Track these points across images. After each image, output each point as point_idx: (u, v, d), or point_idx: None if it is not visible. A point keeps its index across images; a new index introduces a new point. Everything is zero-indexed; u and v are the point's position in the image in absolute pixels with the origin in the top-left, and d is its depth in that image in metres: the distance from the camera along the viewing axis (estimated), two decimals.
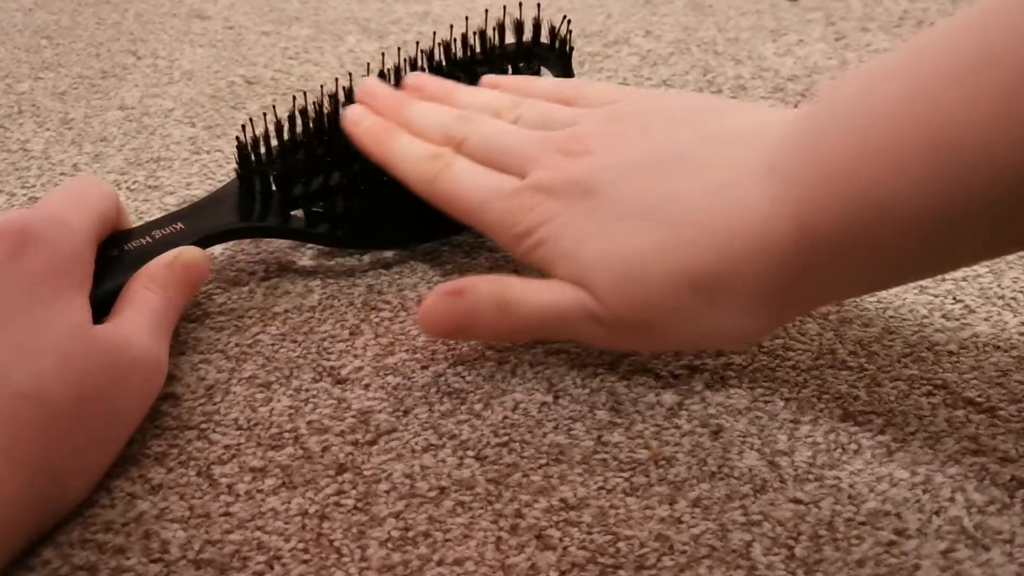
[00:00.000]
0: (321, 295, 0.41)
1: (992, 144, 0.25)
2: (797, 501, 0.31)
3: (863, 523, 0.30)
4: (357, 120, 0.40)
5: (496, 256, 0.43)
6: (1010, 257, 0.42)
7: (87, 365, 0.31)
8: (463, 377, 0.36)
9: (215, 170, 0.50)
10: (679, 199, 0.32)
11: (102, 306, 0.34)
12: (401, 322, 0.39)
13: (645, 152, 0.33)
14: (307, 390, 0.36)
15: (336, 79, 0.44)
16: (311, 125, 0.42)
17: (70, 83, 0.59)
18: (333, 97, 0.42)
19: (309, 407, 0.35)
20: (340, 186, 0.41)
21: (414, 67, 0.44)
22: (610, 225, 0.32)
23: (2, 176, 0.50)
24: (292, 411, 0.35)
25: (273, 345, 0.38)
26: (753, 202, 0.30)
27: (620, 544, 0.30)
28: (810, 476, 0.32)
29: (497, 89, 0.41)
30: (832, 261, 0.30)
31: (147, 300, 0.35)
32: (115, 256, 0.37)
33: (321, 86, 0.44)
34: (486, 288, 0.34)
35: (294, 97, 0.43)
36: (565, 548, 0.30)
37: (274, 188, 0.41)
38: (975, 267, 0.42)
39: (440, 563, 0.29)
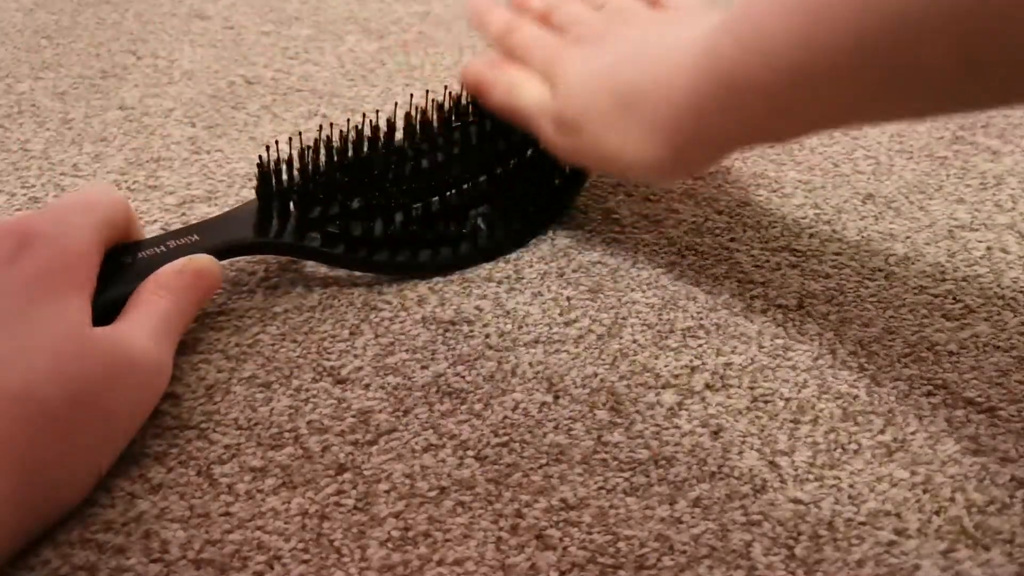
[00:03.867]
0: (321, 295, 0.41)
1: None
2: (797, 501, 0.31)
3: (863, 523, 0.30)
4: (473, 3, 0.48)
5: (498, 260, 0.43)
6: (1010, 257, 0.42)
7: (81, 366, 0.30)
8: (463, 377, 0.36)
9: (215, 170, 0.50)
10: (641, 43, 0.39)
11: (113, 312, 0.34)
12: (401, 322, 0.39)
13: (649, 25, 0.41)
14: (307, 390, 0.36)
15: (363, 114, 0.43)
16: (334, 151, 0.42)
17: (70, 83, 0.59)
18: (358, 130, 0.42)
19: (309, 407, 0.35)
20: (359, 210, 0.41)
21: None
22: (589, 55, 0.40)
23: (2, 176, 0.50)
24: (292, 411, 0.35)
25: (273, 345, 0.38)
26: (681, 47, 0.35)
27: (620, 544, 0.30)
28: (810, 476, 0.32)
29: None
30: (724, 98, 0.33)
31: (153, 304, 0.35)
32: (128, 263, 0.37)
33: (350, 122, 0.44)
34: (511, 71, 0.43)
35: (320, 127, 0.43)
36: (565, 548, 0.30)
37: (293, 208, 0.41)
38: (975, 267, 0.42)
39: (440, 563, 0.29)
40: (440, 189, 0.43)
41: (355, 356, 0.37)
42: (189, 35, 0.66)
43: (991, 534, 0.30)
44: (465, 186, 0.44)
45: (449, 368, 0.37)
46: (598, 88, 0.38)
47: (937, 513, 0.31)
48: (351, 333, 0.39)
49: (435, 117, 0.44)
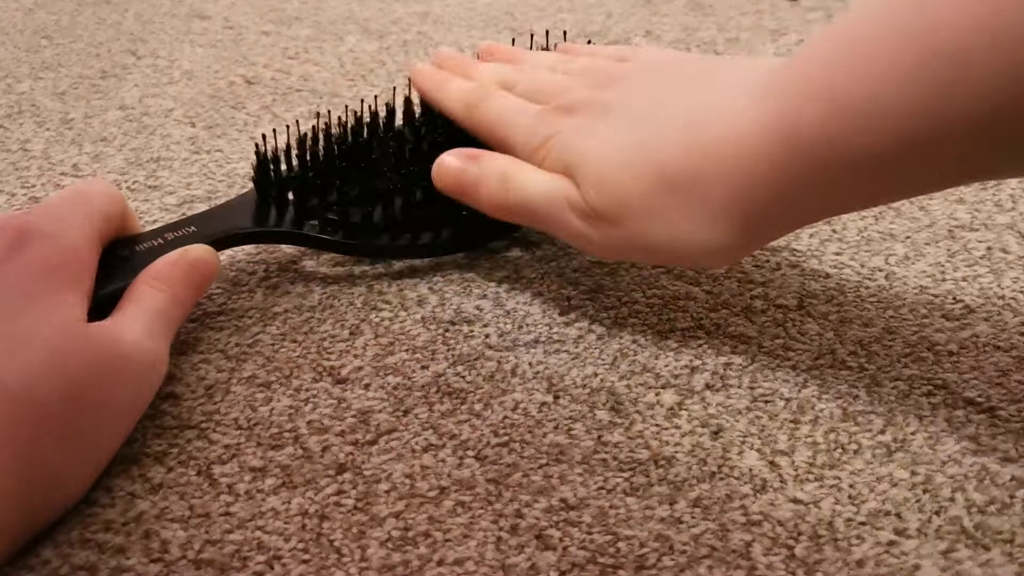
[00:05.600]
0: (321, 295, 0.41)
1: (981, 53, 0.24)
2: (797, 501, 0.31)
3: (863, 523, 0.30)
4: (421, 69, 0.43)
5: (496, 256, 0.43)
6: (1010, 257, 0.42)
7: (77, 361, 0.30)
8: (463, 377, 0.36)
9: (215, 170, 0.50)
10: (670, 108, 0.34)
11: (111, 306, 0.34)
12: (401, 322, 0.39)
13: (660, 83, 0.37)
14: (307, 390, 0.36)
15: (362, 100, 0.44)
16: (332, 139, 0.42)
17: (70, 83, 0.59)
18: (356, 115, 0.42)
19: (309, 407, 0.35)
20: (358, 195, 0.41)
21: None
22: (606, 130, 0.35)
23: (2, 176, 0.50)
24: (292, 411, 0.35)
25: (273, 345, 0.38)
26: (736, 110, 0.31)
27: (620, 544, 0.30)
28: (810, 476, 0.32)
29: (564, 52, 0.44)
30: (809, 171, 0.29)
31: (149, 296, 0.35)
32: (125, 256, 0.37)
33: (346, 107, 0.44)
34: (498, 160, 0.38)
35: (318, 114, 0.43)
36: (565, 548, 0.30)
37: (291, 197, 0.41)
38: (975, 267, 0.42)
39: (440, 563, 0.29)
40: None
41: (355, 356, 0.37)
42: (189, 35, 0.66)
43: (991, 534, 0.30)
44: None
45: (449, 368, 0.37)
46: (637, 171, 0.33)
47: (937, 513, 0.31)
48: (351, 333, 0.39)
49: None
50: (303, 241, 0.41)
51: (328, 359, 0.37)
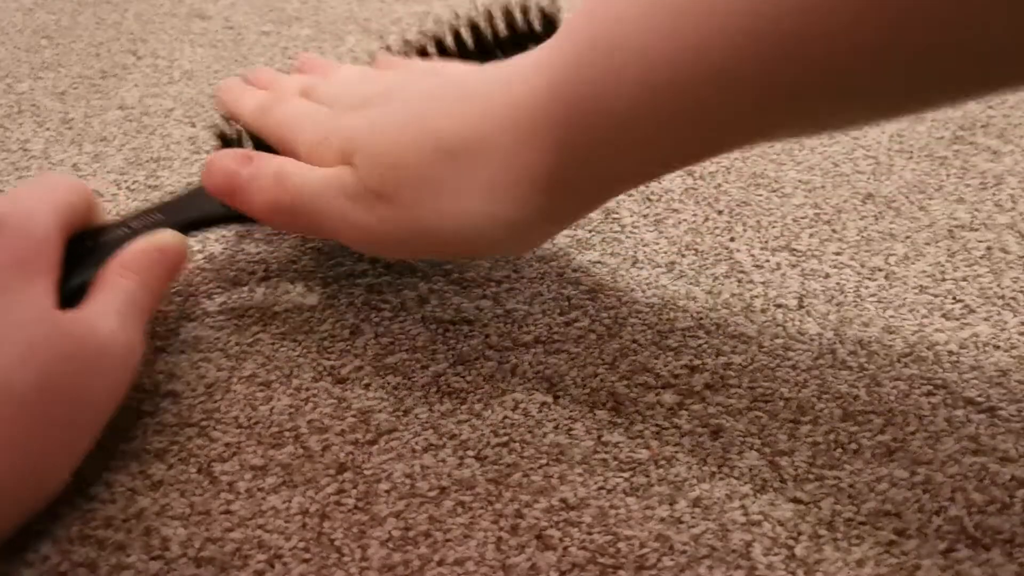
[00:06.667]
0: (321, 295, 0.41)
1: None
2: (797, 501, 0.31)
3: (863, 523, 0.30)
4: (226, 82, 0.43)
5: (499, 260, 0.43)
6: (1010, 257, 0.42)
7: (52, 352, 0.30)
8: (463, 377, 0.36)
9: None
10: (456, 85, 0.33)
11: (78, 298, 0.34)
12: (401, 322, 0.39)
13: (453, 70, 0.37)
14: (307, 389, 0.36)
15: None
16: None
17: (70, 83, 0.59)
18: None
19: (309, 406, 0.35)
20: None
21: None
22: (385, 110, 0.34)
23: (2, 176, 0.50)
24: (292, 410, 0.35)
25: (273, 344, 0.38)
26: (521, 78, 0.30)
27: (620, 544, 0.30)
28: (810, 476, 0.32)
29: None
30: (589, 129, 0.28)
31: (118, 285, 0.34)
32: (91, 247, 0.37)
33: None
34: (274, 160, 0.36)
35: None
36: (565, 548, 0.30)
37: None
38: (975, 267, 0.42)
39: (441, 563, 0.29)
40: None
41: (355, 356, 0.37)
42: (189, 35, 0.66)
43: (991, 534, 0.30)
44: None
45: (449, 368, 0.37)
46: (413, 140, 0.31)
47: (937, 513, 0.31)
48: (351, 333, 0.39)
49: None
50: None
51: (328, 358, 0.37)
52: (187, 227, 0.38)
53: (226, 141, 0.41)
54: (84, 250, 0.36)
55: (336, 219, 0.33)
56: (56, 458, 0.30)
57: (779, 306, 0.40)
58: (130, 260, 0.35)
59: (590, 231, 0.45)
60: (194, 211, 0.39)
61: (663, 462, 0.33)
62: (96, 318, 0.32)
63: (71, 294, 0.34)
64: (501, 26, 0.45)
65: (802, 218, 0.45)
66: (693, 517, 0.31)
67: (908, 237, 0.44)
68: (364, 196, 0.32)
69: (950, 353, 0.37)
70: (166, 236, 0.37)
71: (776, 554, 0.29)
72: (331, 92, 0.38)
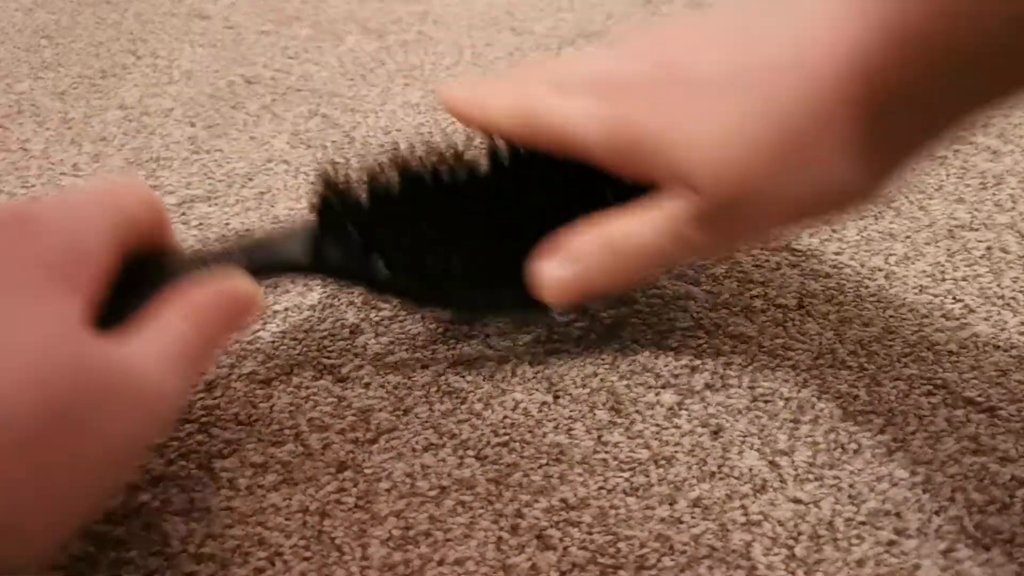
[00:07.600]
0: (321, 294, 0.41)
1: None
2: (797, 501, 0.31)
3: (863, 523, 0.30)
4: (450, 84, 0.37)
5: None
6: (1010, 257, 0.42)
7: (63, 377, 0.25)
8: (463, 377, 0.36)
9: (215, 170, 0.50)
10: (751, 66, 0.30)
11: (118, 325, 0.29)
12: (401, 321, 0.39)
13: (707, 33, 0.32)
14: (308, 387, 0.36)
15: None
16: (403, 178, 0.35)
17: (70, 83, 0.59)
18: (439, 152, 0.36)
19: (310, 404, 0.35)
20: (435, 240, 0.35)
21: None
22: (689, 109, 0.31)
23: (2, 176, 0.50)
24: (293, 408, 0.35)
25: (273, 343, 0.38)
26: (821, 42, 0.28)
27: (620, 544, 0.30)
28: (810, 476, 0.32)
29: None
30: (914, 68, 0.27)
31: (171, 325, 0.29)
32: (151, 275, 0.32)
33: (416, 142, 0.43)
34: (586, 239, 0.33)
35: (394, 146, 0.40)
36: (565, 548, 0.30)
37: (355, 231, 0.35)
38: (975, 267, 0.42)
39: (441, 562, 0.29)
40: (533, 226, 0.35)
41: (355, 355, 0.37)
42: (189, 35, 0.66)
43: (991, 534, 0.30)
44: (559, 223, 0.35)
45: (449, 368, 0.37)
46: (761, 144, 0.29)
47: (937, 513, 0.31)
48: (352, 332, 0.39)
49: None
50: (365, 282, 0.36)
51: (328, 357, 0.37)
52: (265, 273, 0.34)
53: (329, 189, 0.35)
54: (143, 276, 0.31)
55: (689, 246, 0.32)
56: (52, 508, 0.25)
57: (779, 306, 0.40)
58: (193, 299, 0.30)
59: None
60: (279, 257, 0.35)
61: (663, 462, 0.33)
62: (133, 355, 0.27)
63: (114, 323, 0.28)
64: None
65: None
66: (693, 517, 0.31)
67: (908, 237, 0.44)
68: (717, 209, 0.31)
69: (950, 353, 0.37)
70: (242, 284, 0.32)
71: (776, 554, 0.29)
72: (578, 78, 0.34)
